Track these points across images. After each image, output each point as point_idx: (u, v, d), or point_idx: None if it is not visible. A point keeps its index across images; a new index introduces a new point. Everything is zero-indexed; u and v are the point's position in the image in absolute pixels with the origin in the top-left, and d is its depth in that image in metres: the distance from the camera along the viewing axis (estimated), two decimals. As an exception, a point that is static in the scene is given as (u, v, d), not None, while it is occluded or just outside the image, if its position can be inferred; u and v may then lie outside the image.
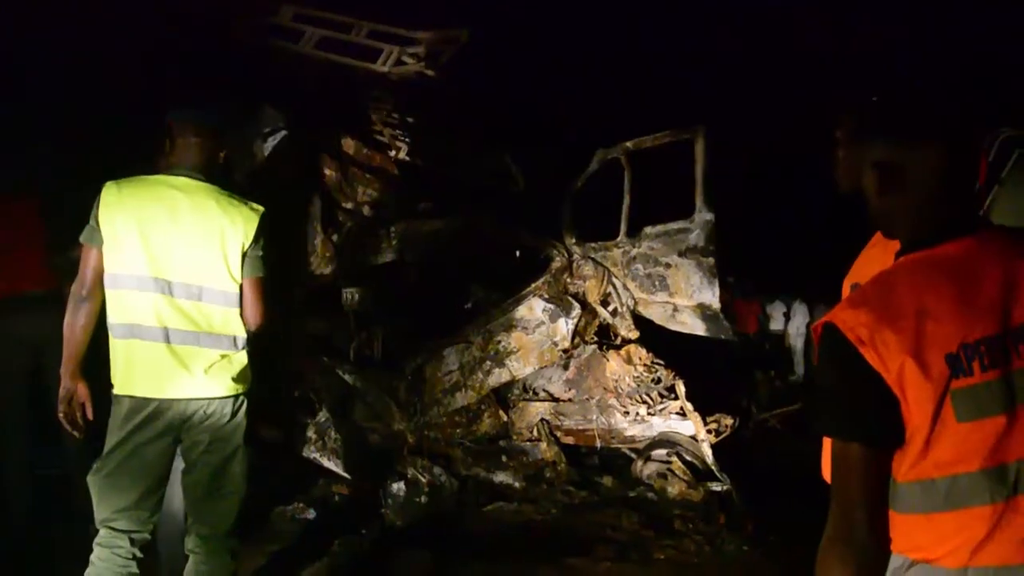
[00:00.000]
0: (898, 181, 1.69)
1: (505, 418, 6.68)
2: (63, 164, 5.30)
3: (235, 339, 3.24)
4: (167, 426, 3.12)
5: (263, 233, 3.28)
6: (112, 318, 3.10)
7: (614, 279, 6.93)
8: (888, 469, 1.61)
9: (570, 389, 6.75)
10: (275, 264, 3.43)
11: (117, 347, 3.11)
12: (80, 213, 3.16)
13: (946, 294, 1.59)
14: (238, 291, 3.24)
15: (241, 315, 3.26)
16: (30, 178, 5.03)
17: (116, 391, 3.11)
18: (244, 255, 3.23)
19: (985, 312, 1.57)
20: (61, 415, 3.16)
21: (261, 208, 3.33)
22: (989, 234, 1.68)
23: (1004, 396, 1.55)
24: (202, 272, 3.16)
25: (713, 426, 6.34)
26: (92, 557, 3.10)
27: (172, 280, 3.12)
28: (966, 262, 1.63)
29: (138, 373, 3.09)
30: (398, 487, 5.83)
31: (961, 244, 1.64)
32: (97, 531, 3.12)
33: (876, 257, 2.31)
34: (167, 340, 3.10)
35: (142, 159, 3.46)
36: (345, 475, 5.83)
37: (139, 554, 3.13)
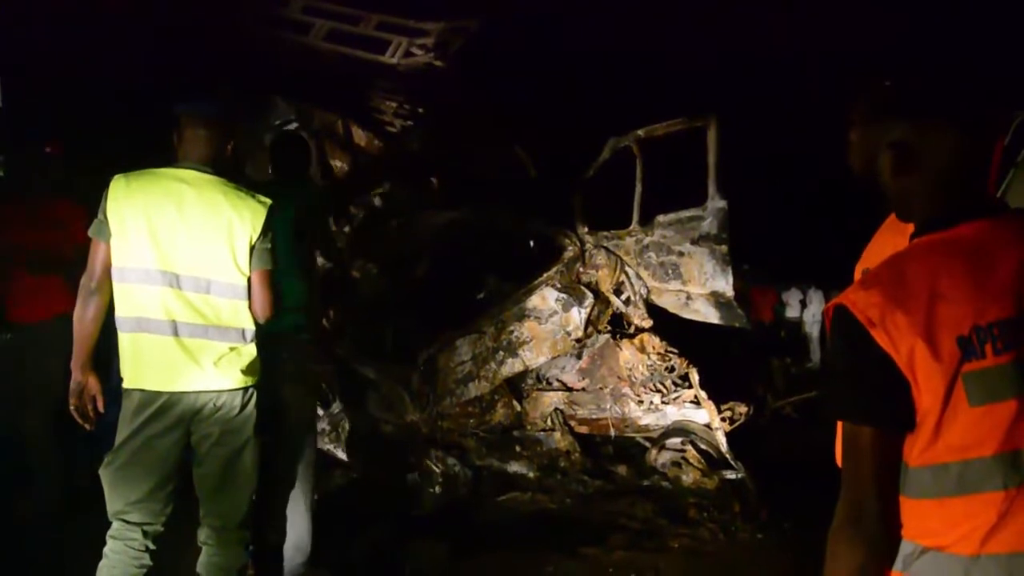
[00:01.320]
0: (914, 162, 1.67)
1: (519, 408, 6.67)
2: (73, 162, 5.32)
3: (243, 332, 3.25)
4: (177, 419, 3.13)
5: (271, 226, 3.29)
6: (119, 312, 3.12)
7: (627, 268, 6.91)
8: (899, 453, 1.59)
9: (584, 378, 6.75)
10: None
11: (124, 341, 3.12)
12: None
13: (959, 276, 1.56)
14: (246, 284, 3.25)
15: (249, 308, 3.27)
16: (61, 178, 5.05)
17: (125, 385, 3.13)
18: (252, 248, 3.23)
19: (999, 295, 1.54)
20: (72, 408, 3.19)
21: (269, 201, 3.33)
22: (1005, 217, 1.65)
23: (1018, 380, 1.52)
24: (210, 265, 3.16)
25: (727, 414, 6.32)
26: (105, 549, 3.13)
27: (180, 273, 3.13)
28: (981, 244, 1.60)
29: (146, 366, 3.11)
30: (412, 478, 5.84)
31: (976, 226, 1.61)
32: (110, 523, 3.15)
33: (888, 242, 2.29)
34: (175, 333, 3.11)
35: (152, 153, 3.46)
36: (359, 466, 5.84)
37: (152, 546, 3.15)
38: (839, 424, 1.79)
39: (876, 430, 1.57)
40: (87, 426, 3.22)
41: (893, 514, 1.57)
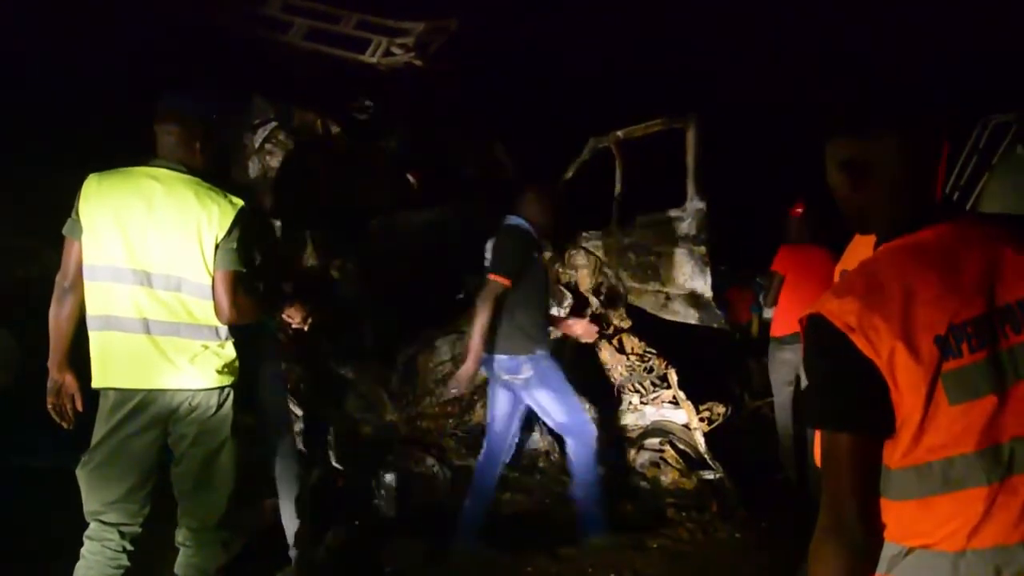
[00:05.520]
0: (866, 176, 1.70)
1: (498, 408, 6.65)
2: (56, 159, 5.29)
3: (217, 330, 3.22)
4: (153, 418, 3.12)
5: (238, 226, 3.21)
6: (89, 310, 3.10)
7: (606, 268, 6.93)
8: (879, 458, 1.61)
9: (563, 379, 6.73)
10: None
11: (93, 339, 3.11)
12: None
13: (930, 278, 1.59)
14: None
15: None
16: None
17: (94, 384, 3.11)
18: (216, 247, 3.18)
19: (970, 294, 1.58)
20: (50, 407, 3.17)
21: (241, 202, 3.27)
22: (964, 220, 1.70)
23: (994, 376, 1.56)
24: (180, 263, 3.14)
25: (706, 415, 6.33)
26: (83, 550, 3.12)
27: (151, 271, 3.10)
28: (945, 247, 1.63)
29: (118, 365, 3.09)
30: (391, 478, 5.81)
31: (938, 230, 1.65)
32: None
33: (867, 243, 2.32)
34: (147, 331, 3.09)
35: (132, 152, 3.44)
36: (337, 466, 5.82)
37: (129, 547, 3.14)
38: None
39: (855, 436, 1.58)
40: (65, 425, 3.20)
41: (875, 519, 1.59)
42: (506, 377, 4.85)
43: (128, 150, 3.39)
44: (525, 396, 4.91)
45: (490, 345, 4.78)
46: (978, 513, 1.55)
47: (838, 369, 1.61)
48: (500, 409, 5.04)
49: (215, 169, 3.36)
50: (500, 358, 4.82)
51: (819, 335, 1.63)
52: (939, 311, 1.56)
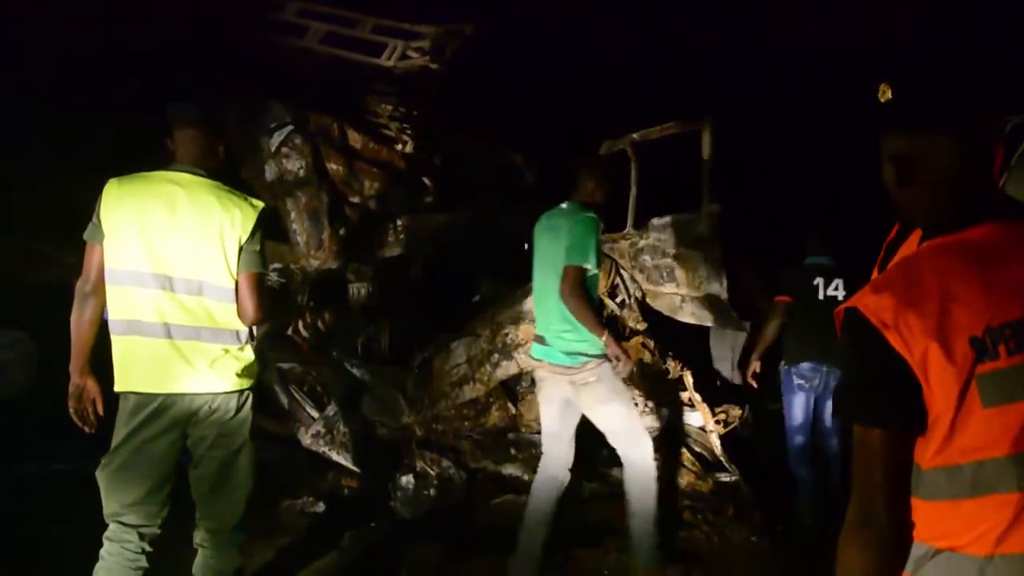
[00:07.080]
0: (914, 172, 1.68)
1: (513, 411, 6.67)
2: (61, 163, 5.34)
3: (237, 333, 3.26)
4: (173, 421, 3.14)
5: (260, 229, 3.28)
6: (112, 315, 3.12)
7: (622, 271, 6.91)
8: (911, 455, 1.60)
9: (578, 381, 6.73)
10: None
11: (116, 344, 3.13)
12: None
13: (970, 278, 1.57)
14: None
15: (237, 311, 3.26)
16: None
17: (117, 388, 3.14)
18: (240, 250, 3.23)
19: (1010, 296, 1.55)
20: (72, 411, 3.19)
21: (261, 204, 3.33)
22: (1012, 218, 1.66)
23: None
24: (202, 267, 3.17)
25: (721, 417, 6.33)
26: (101, 551, 3.14)
27: (173, 275, 3.13)
28: (989, 246, 1.61)
29: (139, 369, 3.11)
30: (407, 480, 5.84)
31: (983, 229, 1.63)
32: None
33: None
34: (169, 336, 3.12)
35: (147, 155, 3.47)
36: (354, 468, 5.84)
37: (148, 548, 3.16)
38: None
39: (887, 432, 1.58)
40: (87, 429, 3.22)
41: (905, 516, 1.58)
42: (799, 381, 5.57)
43: (144, 153, 3.43)
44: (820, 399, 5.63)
45: (796, 354, 5.62)
46: (1007, 519, 1.52)
47: (871, 365, 1.60)
48: (799, 407, 5.68)
49: (229, 170, 3.39)
50: (804, 366, 5.55)
51: (854, 330, 1.63)
52: (977, 312, 1.54)
